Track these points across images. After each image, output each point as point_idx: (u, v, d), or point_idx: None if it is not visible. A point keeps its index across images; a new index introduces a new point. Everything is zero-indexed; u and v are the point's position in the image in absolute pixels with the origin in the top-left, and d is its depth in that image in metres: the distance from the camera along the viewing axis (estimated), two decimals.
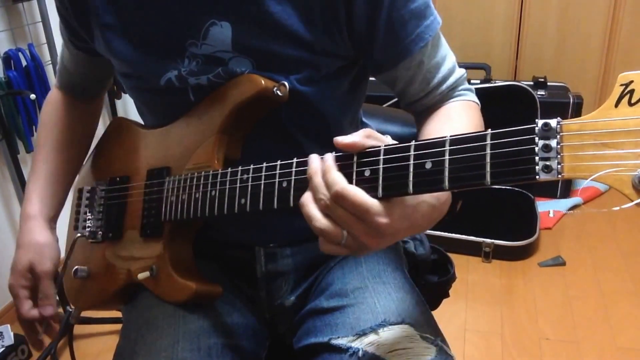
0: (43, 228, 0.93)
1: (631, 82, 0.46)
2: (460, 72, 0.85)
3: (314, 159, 0.62)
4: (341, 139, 0.60)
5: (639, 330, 1.90)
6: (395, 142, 0.61)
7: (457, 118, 0.81)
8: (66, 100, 1.02)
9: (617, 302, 2.04)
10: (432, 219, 0.62)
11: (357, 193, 0.56)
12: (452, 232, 2.32)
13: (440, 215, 0.63)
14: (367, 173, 0.58)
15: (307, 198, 0.60)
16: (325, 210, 0.58)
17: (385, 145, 0.59)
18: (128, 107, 2.69)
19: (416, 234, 0.76)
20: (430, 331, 0.78)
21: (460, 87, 0.85)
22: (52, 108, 1.02)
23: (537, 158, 0.48)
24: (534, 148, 0.48)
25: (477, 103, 0.86)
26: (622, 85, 0.46)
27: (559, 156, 0.47)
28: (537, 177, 0.48)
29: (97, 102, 1.08)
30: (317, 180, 0.59)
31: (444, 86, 0.83)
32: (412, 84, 0.82)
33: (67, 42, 0.95)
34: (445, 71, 0.82)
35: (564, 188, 2.70)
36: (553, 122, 0.48)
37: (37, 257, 0.90)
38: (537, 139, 0.49)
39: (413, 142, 0.56)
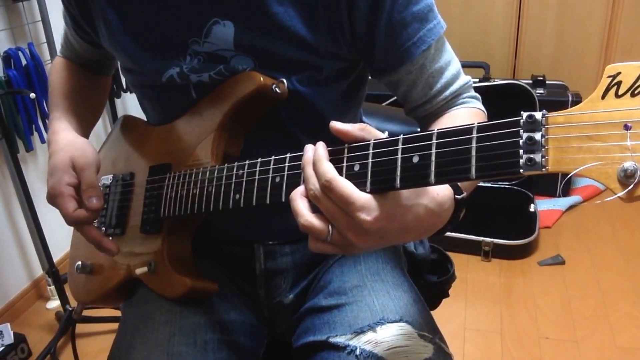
0: (77, 135, 0.90)
1: (619, 73, 0.44)
2: (465, 79, 0.83)
3: (308, 149, 0.62)
4: (336, 124, 0.60)
5: (639, 329, 1.89)
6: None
7: (461, 123, 0.79)
8: (74, 65, 1.03)
9: (617, 301, 2.03)
10: (430, 224, 0.60)
11: (345, 185, 0.56)
12: (451, 231, 2.31)
13: (441, 222, 0.61)
14: (356, 167, 0.58)
15: (295, 193, 0.60)
16: (315, 201, 0.58)
17: (374, 139, 0.58)
18: (127, 106, 2.70)
19: (413, 240, 0.73)
20: (428, 329, 0.78)
21: (465, 95, 0.83)
22: (61, 67, 1.02)
23: (521, 151, 0.47)
24: (518, 141, 0.47)
25: (483, 111, 0.84)
26: (609, 76, 0.45)
27: (543, 149, 0.46)
28: (521, 170, 0.46)
29: (104, 77, 1.08)
30: (309, 171, 0.59)
31: (448, 92, 0.81)
32: (414, 88, 0.81)
33: (71, 30, 0.95)
34: (449, 77, 0.81)
35: (564, 187, 2.69)
36: (538, 115, 0.46)
37: (78, 152, 0.84)
38: (521, 131, 0.47)
39: (401, 136, 0.56)
